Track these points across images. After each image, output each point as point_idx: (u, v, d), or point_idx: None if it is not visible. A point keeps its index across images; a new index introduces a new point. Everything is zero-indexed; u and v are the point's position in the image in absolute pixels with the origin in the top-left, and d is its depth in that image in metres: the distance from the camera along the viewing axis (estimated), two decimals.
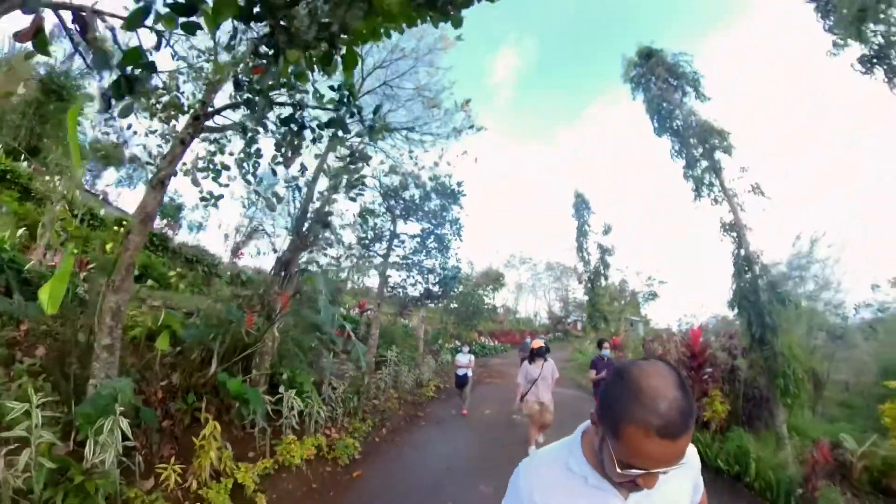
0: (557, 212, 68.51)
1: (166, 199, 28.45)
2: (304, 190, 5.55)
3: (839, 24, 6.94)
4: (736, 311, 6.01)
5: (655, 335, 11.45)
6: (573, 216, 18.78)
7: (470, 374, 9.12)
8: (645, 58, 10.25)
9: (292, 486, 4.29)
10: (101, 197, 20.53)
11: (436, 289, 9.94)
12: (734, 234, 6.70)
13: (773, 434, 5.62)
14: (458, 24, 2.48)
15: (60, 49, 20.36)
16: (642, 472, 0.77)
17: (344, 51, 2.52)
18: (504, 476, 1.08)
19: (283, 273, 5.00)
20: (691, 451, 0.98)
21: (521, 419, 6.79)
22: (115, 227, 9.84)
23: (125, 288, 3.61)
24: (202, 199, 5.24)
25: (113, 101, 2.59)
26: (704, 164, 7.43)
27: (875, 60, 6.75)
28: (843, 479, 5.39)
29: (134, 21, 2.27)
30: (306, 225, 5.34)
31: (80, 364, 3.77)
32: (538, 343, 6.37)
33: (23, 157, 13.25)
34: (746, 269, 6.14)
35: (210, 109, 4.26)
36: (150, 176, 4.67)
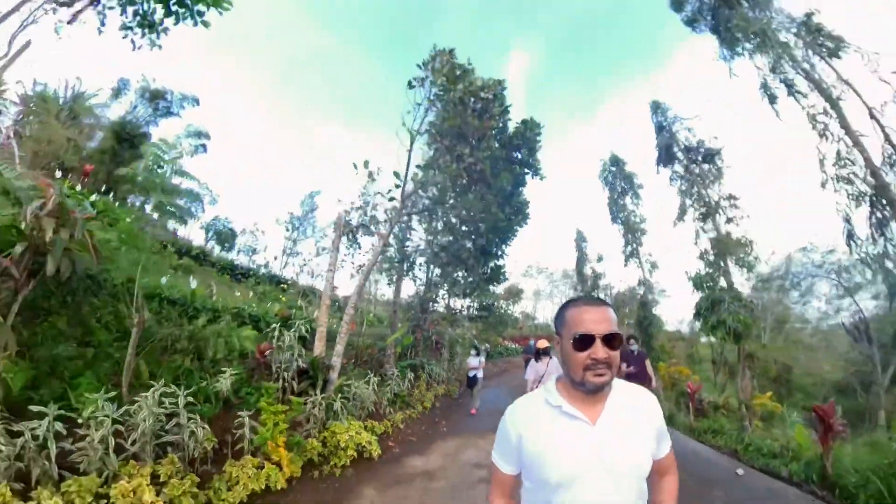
0: (572, 214, 72.42)
1: (222, 227, 34.24)
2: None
3: None
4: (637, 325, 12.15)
5: None
6: (574, 248, 24.85)
7: (480, 375, 9.89)
8: (614, 164, 16.40)
9: (441, 401, 10.60)
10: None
11: (482, 312, 16.12)
12: (643, 286, 12.80)
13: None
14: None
15: (127, 102, 24.44)
16: (587, 333, 1.09)
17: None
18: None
19: (423, 312, 11.30)
20: (652, 401, 1.24)
21: None
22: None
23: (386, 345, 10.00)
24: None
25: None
26: (632, 246, 13.54)
27: None
28: (700, 408, 11.39)
29: None
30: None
31: (379, 364, 10.19)
32: (543, 343, 7.10)
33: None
34: (644, 305, 12.25)
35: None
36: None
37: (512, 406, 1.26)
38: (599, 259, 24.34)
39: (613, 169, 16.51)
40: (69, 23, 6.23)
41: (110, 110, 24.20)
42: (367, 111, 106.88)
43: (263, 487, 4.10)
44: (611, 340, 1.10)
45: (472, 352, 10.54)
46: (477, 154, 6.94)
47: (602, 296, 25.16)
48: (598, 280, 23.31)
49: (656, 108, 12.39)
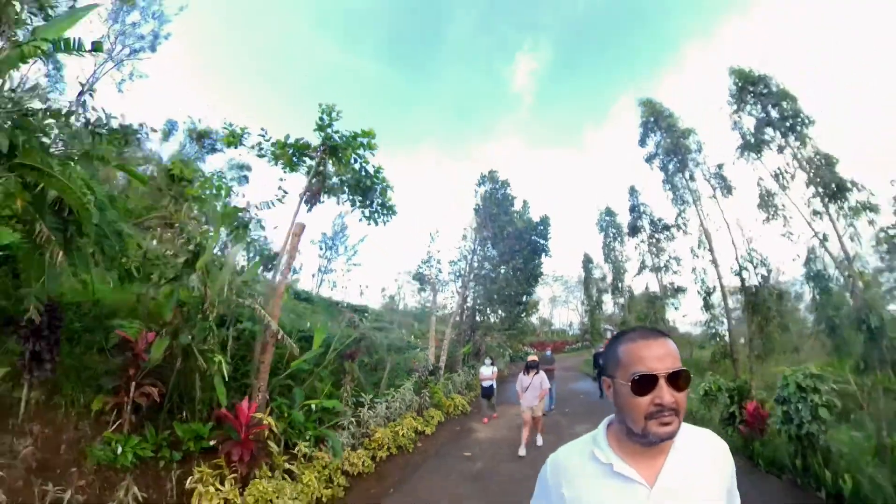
0: (587, 216, 75.36)
1: (263, 248, 41.65)
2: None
3: None
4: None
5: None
6: (582, 269, 30.49)
7: (495, 385, 10.03)
8: (608, 214, 22.13)
9: None
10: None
11: (510, 329, 22.01)
12: (624, 311, 18.54)
13: None
14: None
15: (176, 142, 26.26)
16: (648, 373, 0.90)
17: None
18: None
19: (472, 330, 17.26)
20: (723, 450, 1.03)
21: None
22: None
23: (458, 353, 16.10)
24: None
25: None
26: (617, 282, 19.25)
27: None
28: None
29: None
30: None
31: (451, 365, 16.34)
32: (532, 357, 7.39)
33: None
34: (624, 323, 18.01)
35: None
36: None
37: (554, 456, 1.10)
38: (603, 278, 29.93)
39: (608, 218, 22.23)
40: (308, 208, 9.30)
41: (160, 148, 26.21)
42: (380, 119, 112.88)
43: (440, 420, 10.16)
44: (677, 379, 0.92)
45: (487, 361, 10.41)
46: (516, 260, 12.95)
47: (599, 312, 30.80)
48: (602, 296, 28.89)
49: (632, 191, 18.08)
